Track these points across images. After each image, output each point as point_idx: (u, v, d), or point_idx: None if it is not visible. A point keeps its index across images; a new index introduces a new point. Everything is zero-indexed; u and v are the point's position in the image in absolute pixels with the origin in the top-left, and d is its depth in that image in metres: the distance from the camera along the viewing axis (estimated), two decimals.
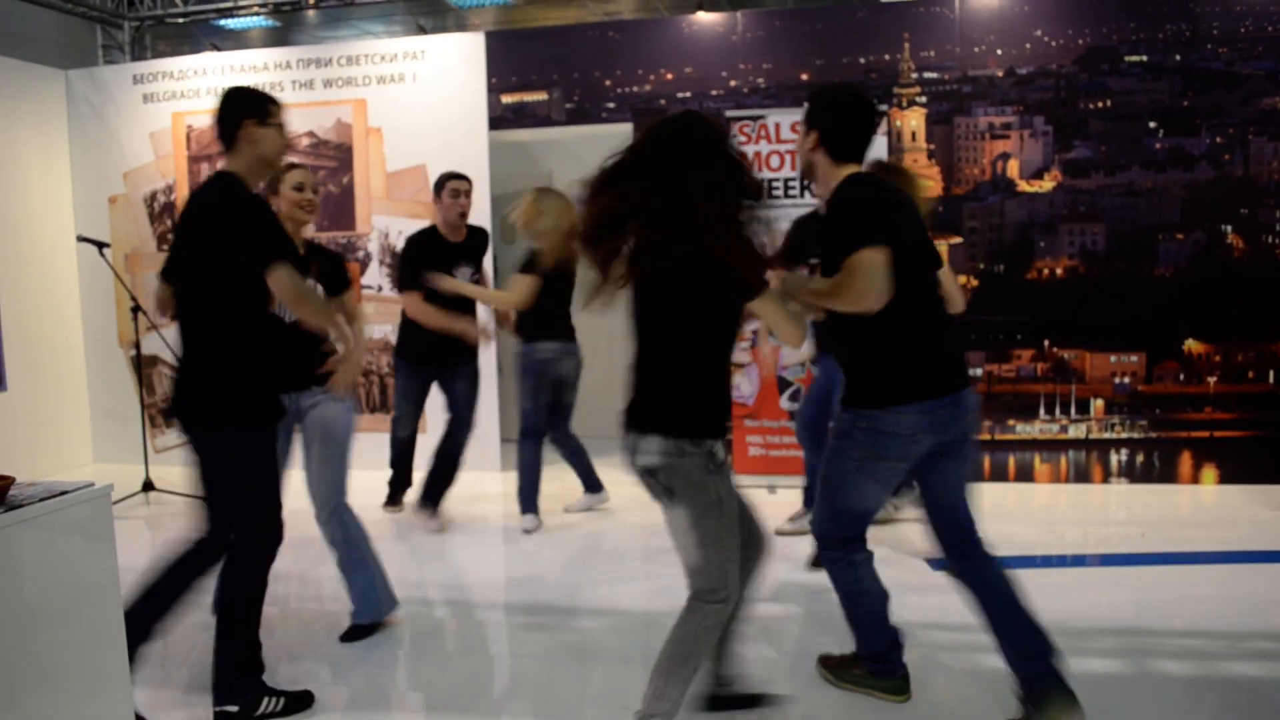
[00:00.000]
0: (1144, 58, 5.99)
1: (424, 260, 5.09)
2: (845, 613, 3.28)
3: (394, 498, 5.81)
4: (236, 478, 3.16)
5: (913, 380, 2.92)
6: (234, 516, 3.22)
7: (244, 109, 3.21)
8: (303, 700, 3.37)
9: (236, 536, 3.23)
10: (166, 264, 3.31)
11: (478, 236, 5.39)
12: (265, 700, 3.27)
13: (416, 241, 5.19)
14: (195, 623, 4.18)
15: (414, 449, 5.71)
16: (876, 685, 3.30)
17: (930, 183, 6.18)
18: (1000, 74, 6.13)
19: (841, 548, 3.20)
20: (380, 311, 6.63)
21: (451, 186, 5.18)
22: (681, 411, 2.71)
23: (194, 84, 6.99)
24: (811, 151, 2.99)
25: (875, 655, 3.29)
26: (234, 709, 3.21)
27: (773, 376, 6.05)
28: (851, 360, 3.06)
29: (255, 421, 3.13)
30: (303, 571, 4.83)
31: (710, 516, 2.71)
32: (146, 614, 3.21)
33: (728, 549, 2.75)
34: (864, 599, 3.24)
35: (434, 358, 5.31)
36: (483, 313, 5.55)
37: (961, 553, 3.10)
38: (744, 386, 6.10)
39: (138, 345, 6.28)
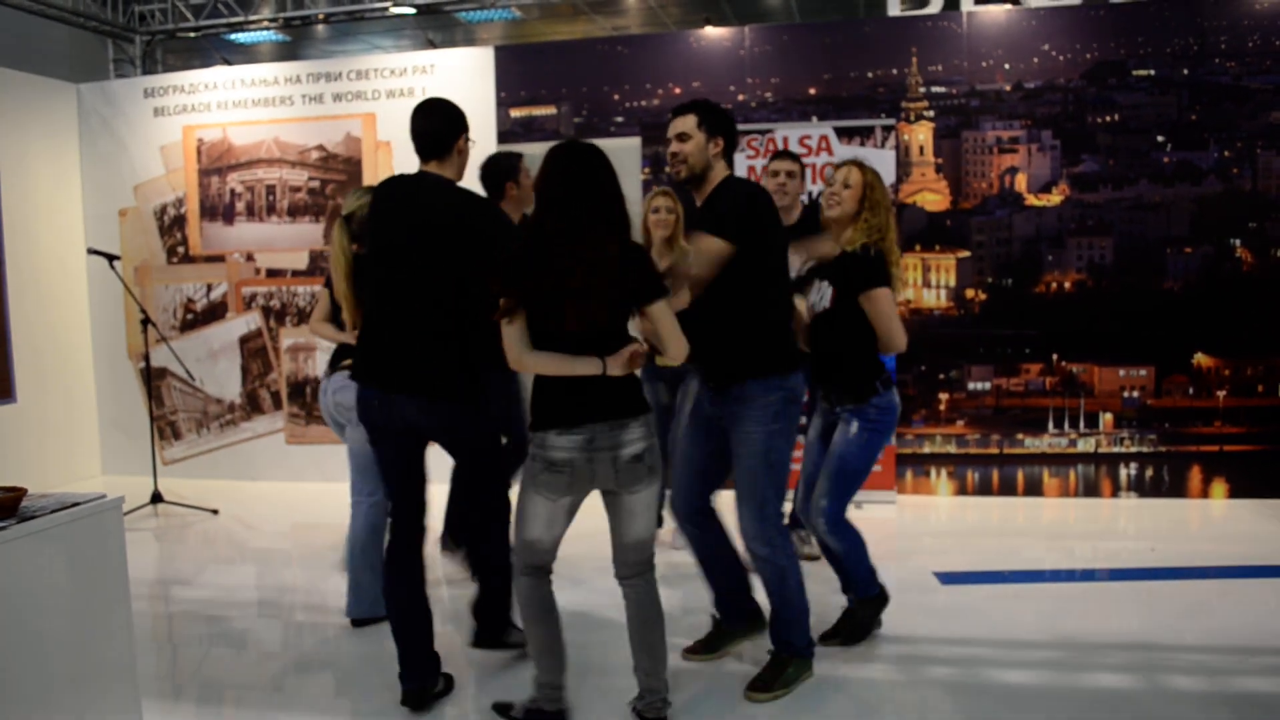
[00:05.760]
0: (1152, 71, 5.99)
1: None
2: (785, 585, 3.43)
3: None
4: (481, 435, 3.46)
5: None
6: (486, 468, 3.54)
7: (462, 124, 3.40)
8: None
9: (485, 486, 3.57)
10: (381, 255, 3.40)
11: None
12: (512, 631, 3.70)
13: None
14: (202, 634, 4.19)
15: None
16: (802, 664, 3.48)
17: (937, 197, 6.19)
18: (1008, 88, 6.14)
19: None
20: None
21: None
22: (641, 394, 2.96)
23: (204, 98, 7.03)
24: (715, 156, 3.35)
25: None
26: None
27: None
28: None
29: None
30: (310, 583, 4.84)
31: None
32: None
33: None
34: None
35: None
36: None
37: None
38: None
39: (147, 358, 6.31)
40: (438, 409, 3.27)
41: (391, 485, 3.41)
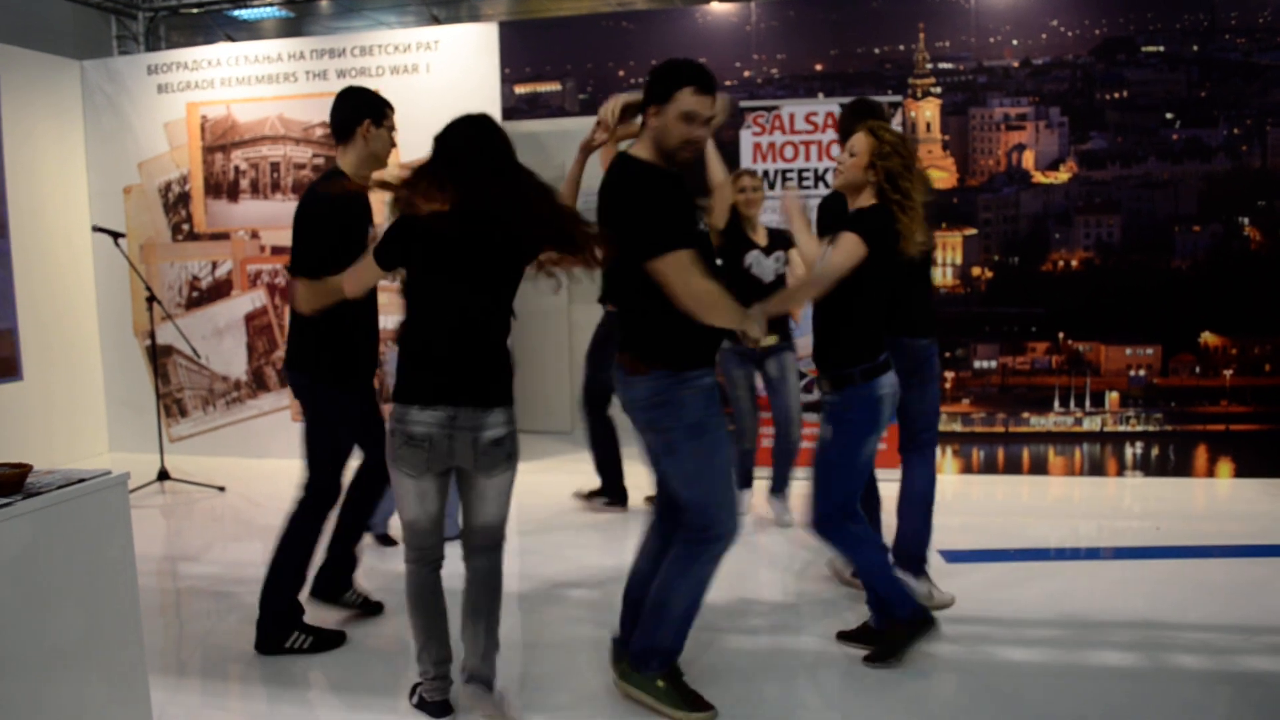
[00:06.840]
0: (1161, 48, 5.95)
1: None
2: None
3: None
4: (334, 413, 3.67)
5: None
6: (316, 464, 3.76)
7: (366, 111, 3.52)
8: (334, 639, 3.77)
9: (311, 485, 3.77)
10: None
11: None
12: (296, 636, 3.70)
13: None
14: (208, 610, 4.21)
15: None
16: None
17: (944, 174, 6.16)
18: (1016, 64, 6.09)
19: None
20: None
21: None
22: (510, 384, 3.02)
23: (208, 74, 7.00)
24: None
25: None
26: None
27: None
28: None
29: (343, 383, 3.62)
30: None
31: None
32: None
33: None
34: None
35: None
36: None
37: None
38: None
39: (153, 335, 6.31)
40: (295, 380, 3.65)
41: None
